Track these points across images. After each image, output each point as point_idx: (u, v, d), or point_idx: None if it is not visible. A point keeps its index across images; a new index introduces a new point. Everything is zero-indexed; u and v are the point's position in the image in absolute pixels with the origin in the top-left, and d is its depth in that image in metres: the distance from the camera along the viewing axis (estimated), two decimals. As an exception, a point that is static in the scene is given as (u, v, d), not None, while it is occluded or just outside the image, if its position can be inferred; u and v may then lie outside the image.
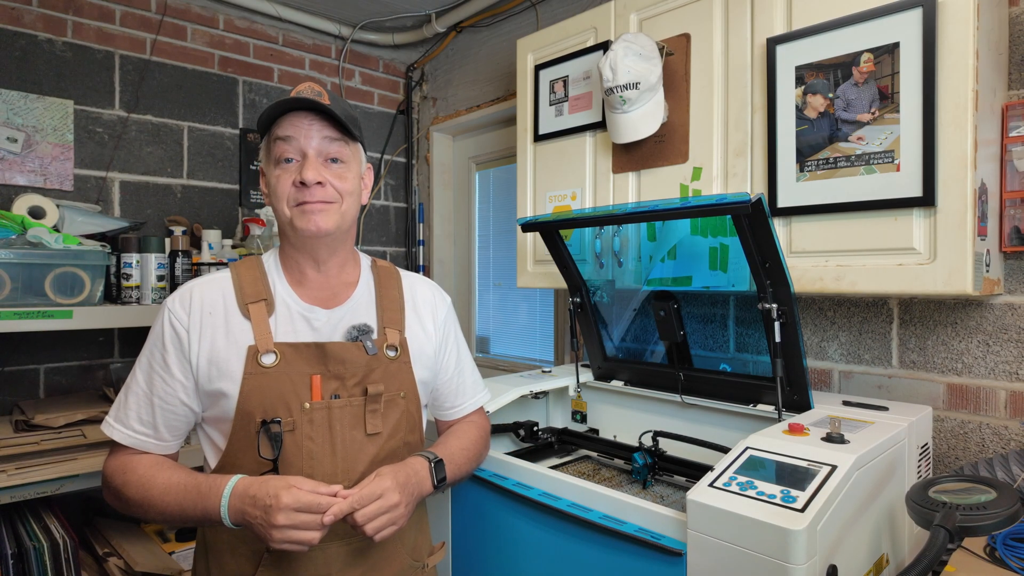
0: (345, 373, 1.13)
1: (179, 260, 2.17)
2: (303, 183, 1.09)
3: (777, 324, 1.35)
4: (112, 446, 1.15)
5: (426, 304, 1.29)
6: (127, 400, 1.13)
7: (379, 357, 1.16)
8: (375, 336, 1.18)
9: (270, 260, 1.20)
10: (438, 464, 1.16)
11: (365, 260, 1.28)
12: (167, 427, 1.13)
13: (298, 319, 1.14)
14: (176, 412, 1.12)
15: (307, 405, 1.10)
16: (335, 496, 1.00)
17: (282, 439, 1.08)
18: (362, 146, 1.20)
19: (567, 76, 1.96)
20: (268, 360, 1.10)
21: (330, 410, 1.12)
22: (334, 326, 1.16)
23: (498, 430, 1.76)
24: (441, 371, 1.30)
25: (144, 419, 1.12)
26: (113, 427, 1.13)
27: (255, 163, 2.71)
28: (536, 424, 1.78)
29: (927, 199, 1.30)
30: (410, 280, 1.30)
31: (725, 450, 1.40)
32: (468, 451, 1.28)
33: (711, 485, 1.08)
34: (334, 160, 1.13)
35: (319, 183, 1.10)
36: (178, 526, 1.70)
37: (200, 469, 1.18)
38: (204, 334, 1.10)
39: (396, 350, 1.19)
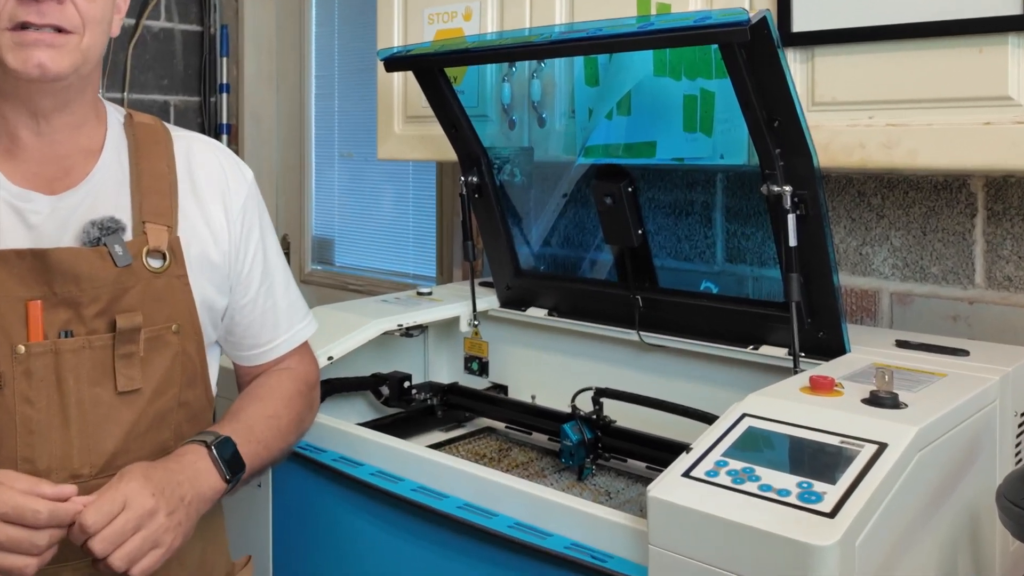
0: (81, 297, 1.15)
1: None
2: None
3: (792, 218, 1.36)
4: None
5: (213, 182, 1.31)
6: None
7: (135, 269, 1.18)
8: (128, 236, 1.20)
9: None
10: (224, 447, 1.19)
11: (114, 115, 1.30)
12: None
13: (5, 211, 1.16)
14: None
15: (21, 349, 1.12)
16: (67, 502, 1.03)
17: (-20, 404, 1.12)
18: None
19: None
20: (-49, 279, 1.12)
21: (58, 355, 1.14)
22: (63, 221, 1.18)
23: (345, 387, 1.78)
24: (239, 289, 1.33)
25: None
26: None
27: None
28: (408, 378, 1.81)
29: (1033, 19, 1.32)
30: (186, 144, 1.32)
31: (710, 419, 1.38)
32: (280, 419, 1.32)
33: (687, 475, 1.08)
34: None
35: None
36: None
37: None
38: None
39: (164, 258, 1.21)
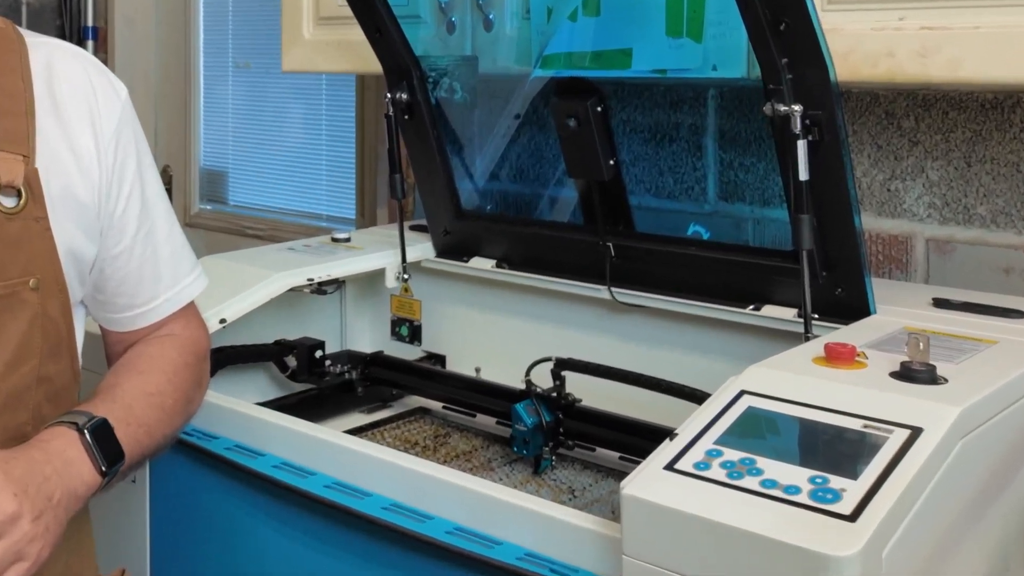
0: (-87, 246, 1.17)
1: None
2: None
3: (802, 145, 1.36)
4: None
5: (80, 100, 1.30)
6: None
7: (-19, 212, 1.20)
8: (-28, 170, 1.22)
9: None
10: (99, 431, 1.18)
11: None
12: None
13: None
14: None
15: None
16: None
17: None
18: None
19: None
20: None
21: None
22: None
23: (242, 357, 1.81)
24: (112, 234, 1.32)
25: None
26: None
27: None
28: (321, 346, 1.83)
29: None
30: (46, 53, 1.31)
31: (700, 397, 1.40)
32: (164, 396, 1.32)
33: (670, 467, 1.08)
34: None
35: None
36: None
37: None
38: None
39: (19, 196, 1.20)
